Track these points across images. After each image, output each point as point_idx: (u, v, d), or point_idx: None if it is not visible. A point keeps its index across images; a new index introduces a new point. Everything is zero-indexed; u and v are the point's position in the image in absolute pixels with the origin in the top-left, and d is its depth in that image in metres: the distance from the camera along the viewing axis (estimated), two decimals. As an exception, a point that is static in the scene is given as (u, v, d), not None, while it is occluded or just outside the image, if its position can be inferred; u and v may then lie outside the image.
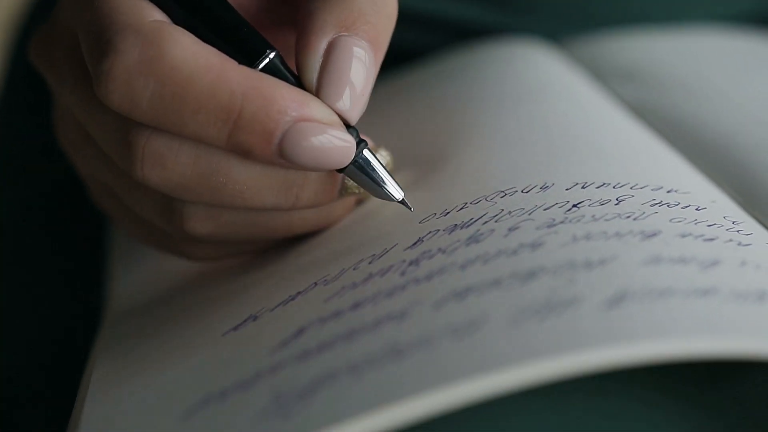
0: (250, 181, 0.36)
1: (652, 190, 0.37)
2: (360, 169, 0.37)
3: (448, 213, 0.37)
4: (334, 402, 0.29)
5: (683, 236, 0.34)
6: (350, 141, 0.35)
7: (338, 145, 0.35)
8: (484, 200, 0.38)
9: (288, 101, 0.34)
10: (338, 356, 0.31)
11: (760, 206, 0.40)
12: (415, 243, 0.36)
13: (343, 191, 0.38)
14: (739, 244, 0.34)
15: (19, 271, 0.54)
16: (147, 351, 0.38)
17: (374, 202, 0.40)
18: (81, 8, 0.36)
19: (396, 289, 0.34)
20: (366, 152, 0.37)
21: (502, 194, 0.38)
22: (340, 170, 0.36)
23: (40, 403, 0.48)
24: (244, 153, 0.35)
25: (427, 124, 0.46)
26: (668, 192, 0.37)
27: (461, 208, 0.37)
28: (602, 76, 0.52)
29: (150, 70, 0.34)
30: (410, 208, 0.37)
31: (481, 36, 0.55)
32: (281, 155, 0.35)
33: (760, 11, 0.57)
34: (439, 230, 0.36)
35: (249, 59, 0.35)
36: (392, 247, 0.37)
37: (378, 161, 0.37)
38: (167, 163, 0.35)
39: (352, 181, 0.38)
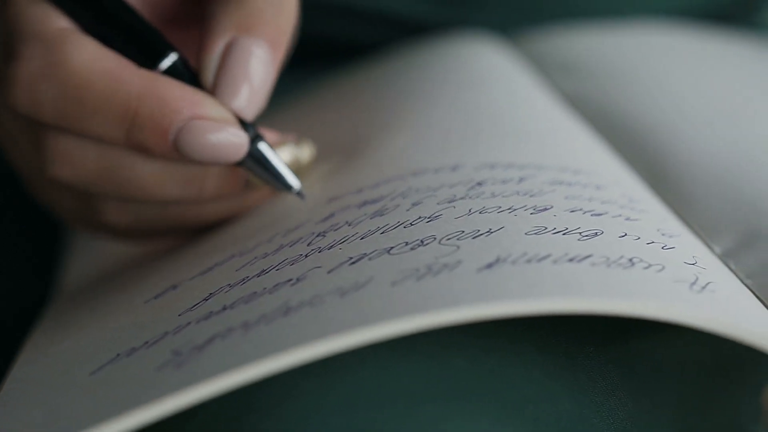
0: (153, 176, 0.38)
1: (557, 170, 0.39)
2: (257, 162, 0.38)
3: (362, 191, 0.39)
4: (223, 353, 0.31)
5: (572, 211, 0.36)
6: (242, 137, 0.37)
7: (231, 140, 0.37)
8: (397, 179, 0.39)
9: (181, 101, 0.36)
10: (236, 315, 0.33)
11: (665, 188, 0.41)
12: (327, 217, 0.38)
13: (249, 183, 0.40)
14: (627, 219, 0.36)
15: None
16: (80, 319, 0.40)
17: None
18: None
19: (300, 257, 0.36)
20: (263, 146, 0.38)
21: (415, 174, 0.40)
22: (239, 164, 0.38)
23: None
24: (143, 150, 0.37)
25: (363, 113, 0.48)
26: (574, 173, 0.39)
27: (374, 187, 0.39)
28: (545, 69, 0.54)
29: (52, 75, 0.36)
30: (304, 198, 0.39)
31: (434, 30, 0.57)
32: (177, 151, 0.37)
33: (705, 6, 0.59)
34: (350, 206, 0.38)
35: (151, 61, 0.37)
36: (306, 221, 0.38)
37: (275, 156, 0.39)
38: (75, 162, 0.38)
39: (253, 176, 0.39)
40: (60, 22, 0.37)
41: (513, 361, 0.33)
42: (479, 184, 0.38)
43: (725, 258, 0.37)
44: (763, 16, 0.65)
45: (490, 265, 0.32)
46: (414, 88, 0.49)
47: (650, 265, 0.32)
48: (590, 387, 0.34)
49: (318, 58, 0.58)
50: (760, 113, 0.47)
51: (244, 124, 0.38)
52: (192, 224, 0.41)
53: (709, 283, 0.32)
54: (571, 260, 0.32)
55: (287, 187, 0.39)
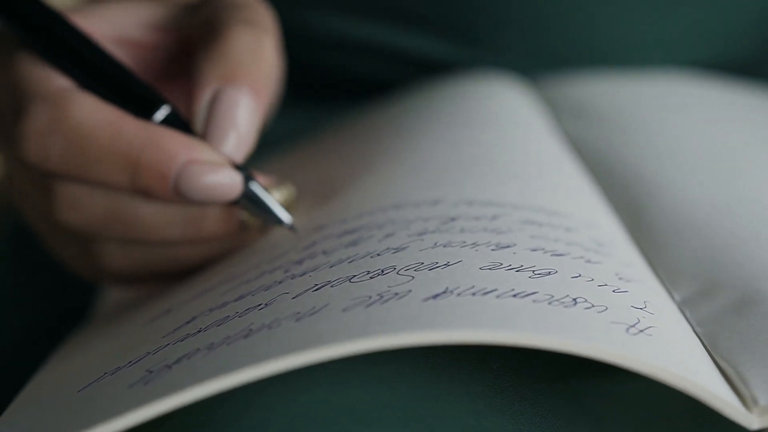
0: (156, 218, 0.41)
1: (533, 210, 0.41)
2: (250, 200, 0.42)
3: (346, 221, 0.41)
4: (184, 372, 0.33)
5: (534, 250, 0.37)
6: (236, 177, 0.41)
7: (226, 181, 0.40)
8: (379, 211, 0.41)
9: (178, 147, 0.40)
10: (206, 337, 0.35)
11: (642, 234, 0.43)
12: (309, 245, 0.40)
13: (243, 224, 0.43)
14: (588, 261, 0.37)
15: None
16: (92, 341, 0.42)
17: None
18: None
19: (274, 283, 0.38)
20: (255, 186, 0.42)
21: (397, 207, 0.41)
22: (235, 203, 0.42)
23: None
24: (146, 194, 0.41)
25: (369, 146, 0.50)
26: (548, 214, 0.41)
27: (357, 217, 0.41)
28: (558, 112, 0.55)
29: (57, 129, 0.40)
30: (296, 232, 0.42)
31: (454, 69, 0.59)
32: (177, 193, 0.40)
33: (719, 59, 0.59)
34: (331, 235, 0.40)
35: (147, 113, 0.41)
36: (290, 249, 0.40)
37: (266, 193, 0.42)
38: (82, 207, 0.41)
39: (248, 214, 0.42)
40: (61, 82, 0.41)
41: (458, 391, 0.35)
42: (452, 219, 0.39)
43: (683, 305, 0.38)
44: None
45: (436, 296, 0.33)
46: (421, 124, 0.51)
47: (593, 306, 0.34)
48: (539, 422, 0.35)
49: (340, 94, 0.60)
50: (748, 170, 0.47)
51: (236, 166, 0.41)
52: (188, 265, 0.43)
53: (649, 327, 0.33)
54: (515, 296, 0.33)
55: (280, 222, 0.42)
